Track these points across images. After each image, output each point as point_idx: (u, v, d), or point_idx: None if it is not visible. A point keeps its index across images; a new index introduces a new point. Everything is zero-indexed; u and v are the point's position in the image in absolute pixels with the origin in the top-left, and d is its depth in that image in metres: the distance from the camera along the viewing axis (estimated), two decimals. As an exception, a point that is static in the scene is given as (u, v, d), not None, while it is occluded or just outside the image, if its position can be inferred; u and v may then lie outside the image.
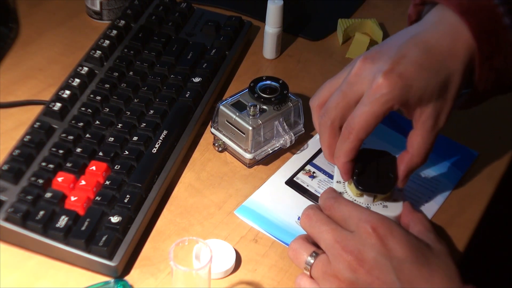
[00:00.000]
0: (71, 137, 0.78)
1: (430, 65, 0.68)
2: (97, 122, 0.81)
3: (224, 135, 0.82)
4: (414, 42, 0.69)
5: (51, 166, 0.75)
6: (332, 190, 0.72)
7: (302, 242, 0.68)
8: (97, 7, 1.01)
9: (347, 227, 0.66)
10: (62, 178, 0.73)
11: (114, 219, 0.71)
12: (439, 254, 0.65)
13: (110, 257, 0.68)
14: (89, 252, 0.69)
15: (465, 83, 0.70)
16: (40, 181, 0.73)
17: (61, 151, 0.76)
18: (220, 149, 0.84)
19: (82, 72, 0.86)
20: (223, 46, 0.95)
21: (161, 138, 0.80)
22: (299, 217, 0.76)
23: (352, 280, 0.63)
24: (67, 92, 0.83)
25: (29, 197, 0.71)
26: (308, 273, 0.66)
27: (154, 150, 0.78)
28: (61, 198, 0.72)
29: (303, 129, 0.84)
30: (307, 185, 0.80)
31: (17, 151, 0.75)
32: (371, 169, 0.73)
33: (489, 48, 0.69)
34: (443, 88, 0.68)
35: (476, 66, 0.70)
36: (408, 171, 0.72)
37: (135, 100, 0.84)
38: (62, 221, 0.70)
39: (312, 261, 0.66)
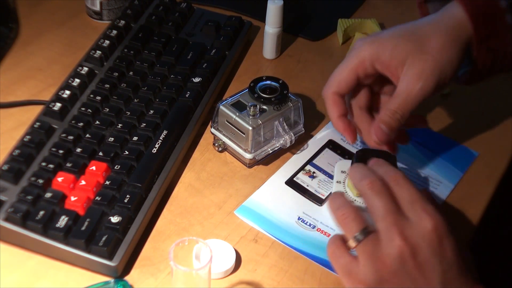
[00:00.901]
0: (71, 137, 0.78)
1: (405, 33, 0.74)
2: (97, 122, 0.81)
3: (224, 135, 0.82)
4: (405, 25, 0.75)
5: (51, 166, 0.74)
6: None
7: (356, 211, 0.63)
8: (97, 7, 1.01)
9: (405, 209, 0.62)
10: (62, 178, 0.73)
11: (114, 219, 0.71)
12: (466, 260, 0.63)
13: (110, 257, 0.68)
14: (89, 252, 0.69)
15: (448, 45, 0.73)
16: (40, 181, 0.73)
17: (61, 151, 0.76)
18: (220, 149, 0.84)
19: (82, 72, 0.86)
20: (223, 46, 0.95)
21: (161, 138, 0.80)
22: (299, 217, 0.77)
23: (398, 269, 0.60)
24: (67, 92, 0.83)
25: (29, 197, 0.71)
26: (354, 245, 0.62)
27: (154, 150, 0.78)
28: (61, 198, 0.72)
29: (303, 129, 0.84)
30: (307, 185, 0.80)
31: (17, 151, 0.75)
32: (371, 169, 0.73)
33: (485, 30, 0.72)
34: (417, 45, 0.71)
35: (474, 47, 0.72)
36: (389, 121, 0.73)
37: (135, 100, 0.84)
38: (62, 221, 0.70)
39: (361, 238, 0.62)
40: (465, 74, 0.77)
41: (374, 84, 0.78)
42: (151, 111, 0.83)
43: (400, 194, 0.63)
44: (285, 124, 0.82)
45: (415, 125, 0.80)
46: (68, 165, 0.75)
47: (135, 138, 0.79)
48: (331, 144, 0.85)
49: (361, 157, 0.74)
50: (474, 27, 0.72)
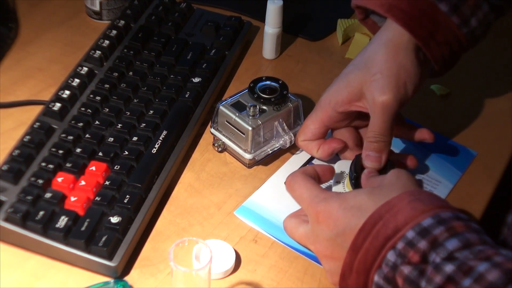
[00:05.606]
0: (71, 137, 0.78)
1: (354, 65, 0.78)
2: (97, 122, 0.81)
3: (224, 135, 0.82)
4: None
5: (51, 166, 0.75)
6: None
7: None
8: (97, 7, 1.01)
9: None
10: (62, 178, 0.73)
11: (114, 219, 0.71)
12: (378, 195, 0.65)
13: (110, 257, 0.69)
14: (89, 252, 0.69)
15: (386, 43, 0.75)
16: (40, 181, 0.73)
17: (61, 151, 0.76)
18: (219, 149, 0.84)
19: (82, 72, 0.86)
20: (223, 46, 0.95)
21: (161, 138, 0.80)
22: (298, 217, 0.77)
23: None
24: (67, 92, 0.83)
25: (29, 197, 0.71)
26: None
27: (154, 150, 0.79)
28: (61, 198, 0.72)
29: (302, 129, 0.84)
30: (307, 185, 0.80)
31: (17, 151, 0.75)
32: (370, 169, 0.73)
33: (424, 29, 0.74)
34: (366, 71, 0.75)
35: (424, 49, 0.74)
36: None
37: (135, 100, 0.84)
38: (62, 221, 0.70)
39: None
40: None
41: (361, 125, 0.82)
42: (151, 111, 0.83)
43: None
44: (284, 124, 0.82)
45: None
46: (68, 165, 0.75)
47: (135, 138, 0.79)
48: (330, 144, 0.85)
49: (360, 158, 0.74)
50: (410, 32, 0.74)
